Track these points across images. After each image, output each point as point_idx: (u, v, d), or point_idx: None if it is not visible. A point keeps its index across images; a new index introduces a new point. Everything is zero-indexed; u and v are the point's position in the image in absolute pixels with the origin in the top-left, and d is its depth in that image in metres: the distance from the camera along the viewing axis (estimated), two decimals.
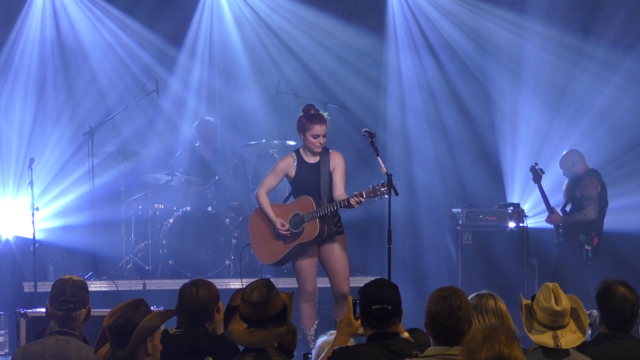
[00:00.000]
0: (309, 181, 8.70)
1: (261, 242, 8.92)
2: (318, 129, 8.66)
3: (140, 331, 4.69)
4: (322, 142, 8.69)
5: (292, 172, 8.78)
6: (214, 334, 5.76)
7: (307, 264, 8.74)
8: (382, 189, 8.26)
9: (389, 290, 5.09)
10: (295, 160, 8.77)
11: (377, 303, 5.02)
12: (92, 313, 5.71)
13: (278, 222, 8.73)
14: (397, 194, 8.30)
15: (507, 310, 5.37)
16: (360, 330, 5.18)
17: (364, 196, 8.36)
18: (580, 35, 12.96)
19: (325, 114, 8.85)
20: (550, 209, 11.08)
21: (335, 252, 8.70)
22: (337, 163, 8.65)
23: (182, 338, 5.64)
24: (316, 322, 8.77)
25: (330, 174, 8.66)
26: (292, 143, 12.07)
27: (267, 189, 8.88)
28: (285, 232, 8.70)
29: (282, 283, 11.49)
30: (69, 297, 5.53)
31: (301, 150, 8.83)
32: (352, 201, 8.42)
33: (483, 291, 5.44)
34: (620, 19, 12.83)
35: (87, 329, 5.69)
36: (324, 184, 8.64)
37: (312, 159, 8.74)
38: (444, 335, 4.72)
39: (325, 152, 8.72)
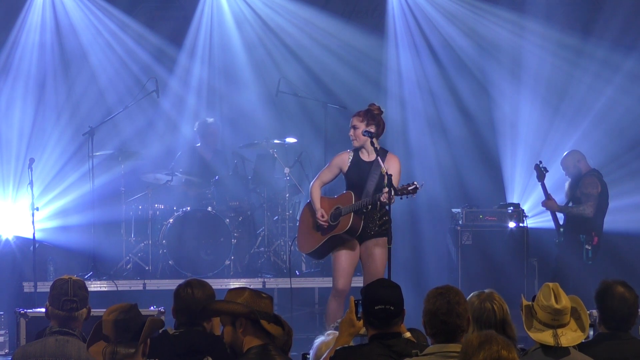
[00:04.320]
0: (358, 178, 8.74)
1: (303, 232, 9.04)
2: (352, 120, 8.75)
3: (149, 326, 4.73)
4: (356, 134, 8.69)
5: (345, 168, 8.82)
6: (213, 334, 5.76)
7: (343, 261, 8.75)
8: (410, 188, 8.24)
9: (392, 290, 5.09)
10: (351, 157, 8.81)
11: (380, 303, 5.01)
12: (92, 313, 5.71)
13: (319, 212, 8.78)
14: (397, 193, 8.27)
15: (507, 311, 5.33)
16: (363, 331, 5.17)
17: (392, 194, 8.35)
18: (580, 35, 12.96)
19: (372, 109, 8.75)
20: (547, 195, 11.02)
21: (374, 252, 8.68)
22: (390, 165, 8.58)
23: (181, 338, 5.63)
24: (338, 321, 8.73)
25: (382, 175, 8.63)
26: (292, 141, 12.08)
27: (322, 183, 8.95)
28: (323, 222, 8.74)
29: (282, 283, 11.49)
30: (72, 297, 5.53)
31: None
32: (382, 197, 8.42)
33: (484, 291, 5.37)
34: (620, 19, 12.82)
35: (86, 328, 5.68)
36: (371, 182, 8.66)
37: (367, 158, 8.77)
38: (444, 332, 4.73)
39: (382, 153, 8.69)
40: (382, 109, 8.83)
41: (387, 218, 8.50)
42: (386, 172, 8.28)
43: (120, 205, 11.71)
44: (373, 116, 8.72)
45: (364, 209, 8.60)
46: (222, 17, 13.25)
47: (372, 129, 8.66)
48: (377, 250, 8.69)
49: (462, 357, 4.00)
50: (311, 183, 9.06)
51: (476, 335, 4.02)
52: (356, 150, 8.81)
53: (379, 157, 8.54)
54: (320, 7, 13.19)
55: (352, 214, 8.63)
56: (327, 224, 8.74)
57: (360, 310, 5.13)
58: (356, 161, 8.78)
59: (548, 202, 11.04)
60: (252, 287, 11.10)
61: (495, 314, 5.25)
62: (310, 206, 8.97)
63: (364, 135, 8.66)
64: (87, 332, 5.61)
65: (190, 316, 5.70)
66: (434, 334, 4.78)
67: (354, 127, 8.72)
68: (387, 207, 8.40)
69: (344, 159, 8.84)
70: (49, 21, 12.75)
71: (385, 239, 8.59)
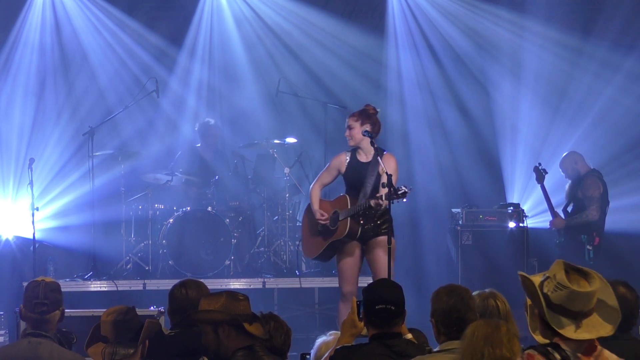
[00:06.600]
0: (356, 180, 8.71)
1: (306, 236, 9.00)
2: (348, 120, 8.76)
3: (148, 327, 4.72)
4: (351, 134, 8.69)
5: (343, 169, 8.80)
6: None
7: (348, 265, 8.71)
8: (399, 192, 8.16)
9: (393, 290, 5.11)
10: (348, 158, 8.78)
11: (381, 303, 5.03)
12: (92, 313, 5.69)
13: (318, 212, 8.76)
14: (397, 195, 8.24)
15: (509, 309, 5.34)
16: (364, 332, 5.18)
17: (383, 198, 8.34)
18: (580, 35, 12.96)
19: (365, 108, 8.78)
20: (553, 213, 11.06)
21: (373, 252, 8.65)
22: (387, 164, 8.51)
23: (176, 339, 5.62)
24: None
25: (379, 175, 8.61)
26: (292, 141, 12.09)
27: (322, 185, 8.95)
28: (325, 222, 8.71)
29: (282, 283, 11.49)
30: (42, 300, 5.48)
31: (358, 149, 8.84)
32: (372, 202, 8.40)
33: (485, 291, 5.40)
34: (620, 19, 12.82)
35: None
36: (368, 183, 8.62)
37: (364, 158, 8.75)
38: (461, 328, 4.72)
39: (379, 152, 8.68)
40: (378, 109, 8.81)
41: (387, 217, 8.49)
42: (386, 172, 8.28)
43: (120, 205, 11.71)
44: (368, 116, 8.71)
45: (359, 213, 8.58)
46: (222, 17, 13.24)
47: (368, 128, 8.65)
48: (376, 249, 8.66)
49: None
50: (311, 185, 9.05)
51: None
52: (353, 151, 8.78)
53: (378, 157, 8.54)
54: (320, 7, 13.19)
55: (349, 218, 8.61)
56: (327, 222, 8.70)
57: (362, 310, 5.14)
58: (353, 162, 8.75)
59: (556, 221, 11.08)
60: (252, 287, 11.20)
61: (499, 311, 5.29)
62: (310, 209, 8.93)
63: (363, 135, 8.66)
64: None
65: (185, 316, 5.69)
66: (449, 332, 4.80)
67: (349, 128, 8.72)
68: (387, 207, 8.38)
69: (342, 161, 8.82)
70: (49, 21, 12.75)
71: (386, 238, 8.57)
